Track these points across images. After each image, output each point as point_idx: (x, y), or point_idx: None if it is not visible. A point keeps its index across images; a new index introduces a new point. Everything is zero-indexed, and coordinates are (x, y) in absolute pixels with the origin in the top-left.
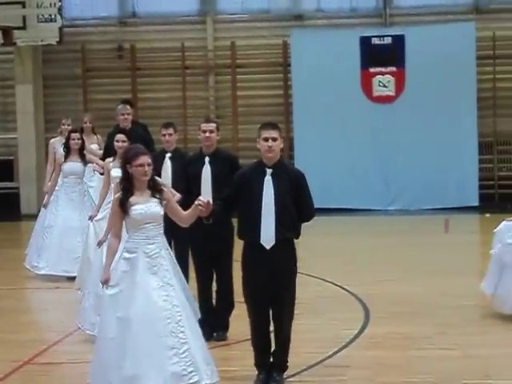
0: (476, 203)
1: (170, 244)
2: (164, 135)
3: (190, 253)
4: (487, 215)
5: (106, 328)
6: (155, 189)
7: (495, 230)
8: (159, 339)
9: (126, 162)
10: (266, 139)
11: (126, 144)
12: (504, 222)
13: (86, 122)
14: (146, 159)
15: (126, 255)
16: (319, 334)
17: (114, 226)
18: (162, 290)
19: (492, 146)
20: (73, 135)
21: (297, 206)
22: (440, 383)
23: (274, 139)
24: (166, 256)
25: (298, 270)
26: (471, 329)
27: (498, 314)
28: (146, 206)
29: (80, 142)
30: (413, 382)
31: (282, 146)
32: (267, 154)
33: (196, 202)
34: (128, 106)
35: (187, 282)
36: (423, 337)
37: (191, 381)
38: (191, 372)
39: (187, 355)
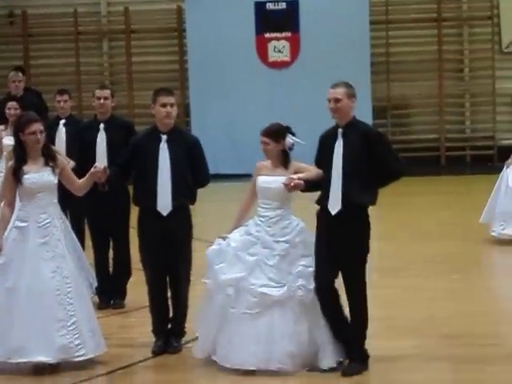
0: None
1: (65, 213)
2: (59, 102)
3: (85, 221)
4: None
5: None
6: (49, 156)
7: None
8: (47, 311)
9: (18, 129)
10: (165, 105)
11: (18, 112)
12: (216, 242)
13: None
14: (38, 126)
15: (18, 224)
16: None
17: (7, 195)
18: (52, 261)
19: (386, 111)
20: None
21: (192, 172)
22: None
23: (172, 105)
24: (58, 226)
25: (194, 236)
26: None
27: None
28: (38, 175)
29: None
30: None
31: (176, 111)
32: (166, 120)
33: (92, 170)
34: (20, 73)
35: (83, 250)
36: None
37: (77, 353)
38: (78, 345)
39: (75, 328)
